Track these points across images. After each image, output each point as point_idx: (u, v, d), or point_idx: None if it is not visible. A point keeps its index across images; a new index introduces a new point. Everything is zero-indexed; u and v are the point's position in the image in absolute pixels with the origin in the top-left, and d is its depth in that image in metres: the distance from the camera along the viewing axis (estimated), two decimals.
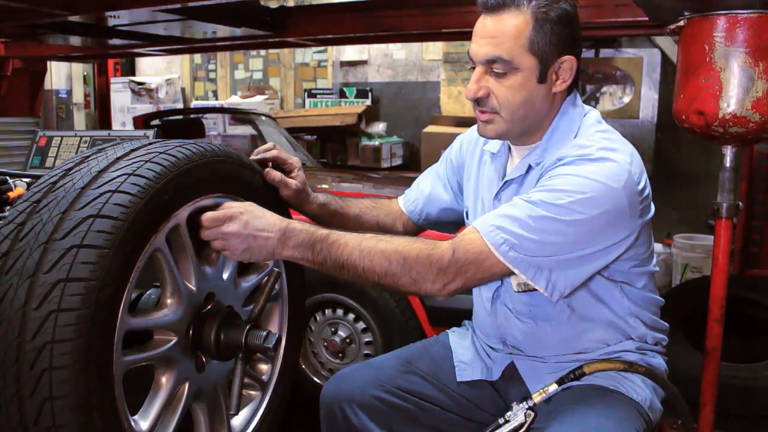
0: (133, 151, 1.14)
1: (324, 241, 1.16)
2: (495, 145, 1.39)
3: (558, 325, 1.30)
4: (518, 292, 1.29)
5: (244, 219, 1.15)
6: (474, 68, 1.24)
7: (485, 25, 1.21)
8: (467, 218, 1.46)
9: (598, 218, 1.14)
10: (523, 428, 1.22)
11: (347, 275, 1.18)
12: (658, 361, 1.35)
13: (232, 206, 1.18)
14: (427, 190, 1.55)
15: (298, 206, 1.43)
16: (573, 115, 1.28)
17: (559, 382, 1.22)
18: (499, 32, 1.18)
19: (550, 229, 1.13)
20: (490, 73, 1.22)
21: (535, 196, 1.16)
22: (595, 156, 1.17)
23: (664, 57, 5.14)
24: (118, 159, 1.11)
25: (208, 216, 1.17)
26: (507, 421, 1.24)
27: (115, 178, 1.05)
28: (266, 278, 1.39)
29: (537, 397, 1.23)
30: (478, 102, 1.24)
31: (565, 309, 1.28)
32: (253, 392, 1.49)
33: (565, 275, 1.16)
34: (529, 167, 1.28)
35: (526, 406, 1.22)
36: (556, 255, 1.14)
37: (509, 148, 1.36)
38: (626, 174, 1.16)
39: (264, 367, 1.53)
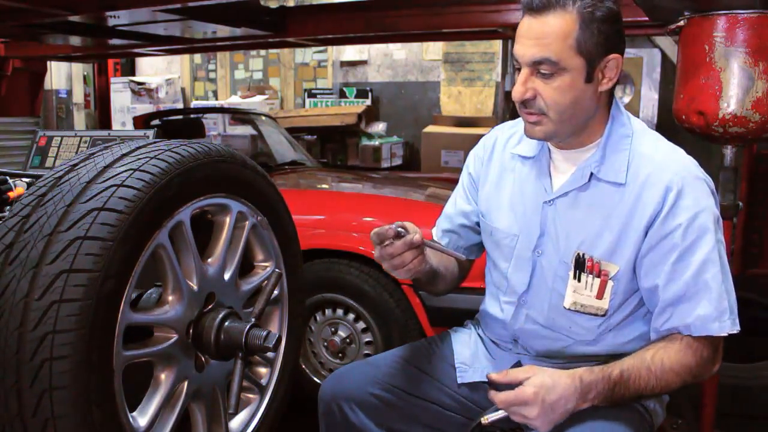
0: (138, 148, 1.15)
1: (620, 383, 1.18)
2: (529, 147, 1.36)
3: (588, 344, 1.30)
4: (570, 310, 1.28)
5: (539, 400, 1.13)
6: (519, 69, 1.22)
7: (530, 26, 1.19)
8: (483, 218, 1.43)
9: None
10: None
11: (642, 400, 1.26)
12: None
13: (524, 390, 1.14)
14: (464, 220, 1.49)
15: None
16: (623, 120, 1.28)
17: None
18: (545, 33, 1.17)
19: (719, 271, 1.20)
20: (536, 75, 1.20)
21: (696, 259, 1.19)
22: (697, 174, 1.23)
23: (664, 57, 5.14)
24: (124, 155, 1.11)
25: (501, 400, 1.16)
26: None
27: (120, 173, 1.06)
28: (267, 280, 1.39)
29: None
30: (524, 104, 1.22)
31: (606, 334, 1.29)
32: (251, 395, 1.49)
33: None
34: (591, 175, 1.26)
35: None
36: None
37: (548, 151, 1.34)
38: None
39: (263, 371, 1.53)
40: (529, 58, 1.19)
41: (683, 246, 1.19)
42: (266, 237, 1.47)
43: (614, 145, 1.26)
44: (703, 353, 1.21)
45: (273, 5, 3.38)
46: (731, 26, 1.43)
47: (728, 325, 1.20)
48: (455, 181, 1.55)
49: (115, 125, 6.34)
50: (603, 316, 1.27)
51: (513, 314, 1.36)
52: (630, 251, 1.23)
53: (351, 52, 6.46)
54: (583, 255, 1.26)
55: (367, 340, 2.40)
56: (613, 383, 1.17)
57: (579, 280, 1.27)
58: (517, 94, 1.21)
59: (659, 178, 1.21)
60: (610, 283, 1.25)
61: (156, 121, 3.42)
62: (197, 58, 7.34)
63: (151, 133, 2.51)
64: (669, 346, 1.21)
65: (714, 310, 1.19)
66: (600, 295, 1.26)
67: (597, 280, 1.25)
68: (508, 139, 1.43)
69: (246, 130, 4.63)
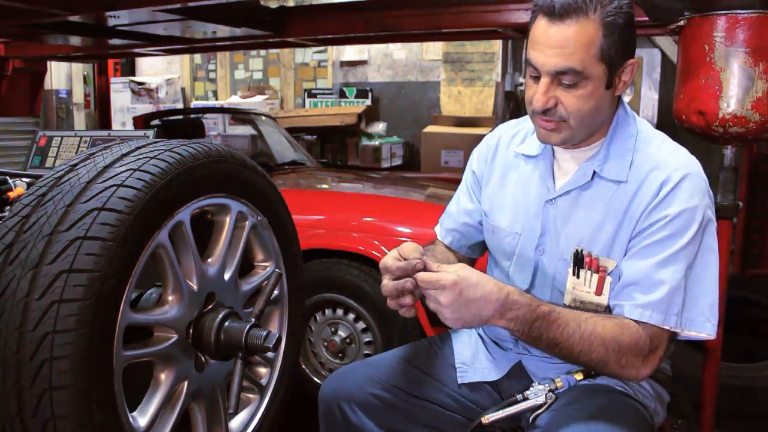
0: (138, 148, 1.15)
1: (544, 319, 1.14)
2: (533, 146, 1.36)
3: None
4: (570, 306, 1.27)
5: (457, 290, 1.10)
6: (534, 76, 1.20)
7: (550, 33, 1.16)
8: (485, 216, 1.43)
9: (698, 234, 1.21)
10: (542, 409, 1.23)
11: (556, 352, 1.18)
12: (664, 366, 1.36)
13: (445, 275, 1.11)
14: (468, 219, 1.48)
15: None
16: (628, 120, 1.28)
17: (586, 374, 1.24)
18: (569, 42, 1.14)
19: (684, 269, 1.18)
20: (557, 83, 1.18)
21: (668, 250, 1.17)
22: (698, 172, 1.21)
23: (664, 57, 5.15)
24: (124, 155, 1.11)
25: (422, 278, 1.12)
26: (525, 399, 1.24)
27: (120, 173, 1.06)
28: (267, 280, 1.39)
29: (560, 382, 1.24)
30: (544, 112, 1.21)
31: None
32: (251, 395, 1.49)
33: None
34: (594, 174, 1.26)
35: (548, 389, 1.23)
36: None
37: (552, 150, 1.33)
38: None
39: (263, 371, 1.53)
40: (551, 67, 1.16)
41: (661, 235, 1.19)
42: (266, 237, 1.47)
43: (618, 144, 1.26)
44: (638, 342, 1.17)
45: (273, 5, 3.39)
46: (731, 26, 1.43)
47: (672, 321, 1.17)
48: (455, 181, 1.55)
49: (115, 125, 6.34)
50: (602, 312, 1.27)
51: None
52: (626, 245, 1.23)
53: (351, 52, 6.46)
54: (582, 251, 1.26)
55: (367, 340, 2.40)
56: (536, 316, 1.14)
57: (578, 277, 1.26)
58: (539, 104, 1.19)
59: (658, 174, 1.21)
60: (608, 279, 1.24)
61: (156, 121, 3.43)
62: (197, 58, 7.34)
63: (151, 133, 2.52)
64: (609, 318, 1.19)
65: (662, 302, 1.17)
66: (599, 291, 1.25)
67: (595, 276, 1.25)
68: (512, 137, 1.43)
69: (246, 130, 4.62)
